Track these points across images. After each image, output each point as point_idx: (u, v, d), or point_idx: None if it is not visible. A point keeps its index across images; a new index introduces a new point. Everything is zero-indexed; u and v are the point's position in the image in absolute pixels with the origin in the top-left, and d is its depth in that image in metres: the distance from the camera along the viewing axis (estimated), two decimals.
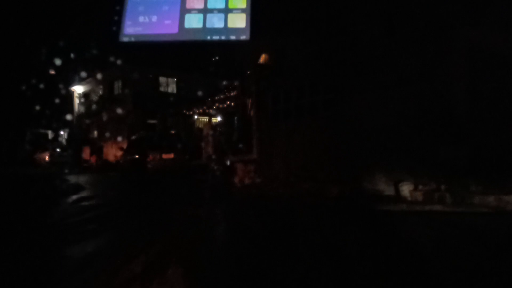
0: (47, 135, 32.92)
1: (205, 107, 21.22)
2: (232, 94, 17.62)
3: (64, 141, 30.55)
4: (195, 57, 23.81)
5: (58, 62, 20.67)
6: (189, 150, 14.39)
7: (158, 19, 4.33)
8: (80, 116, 29.09)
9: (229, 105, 18.36)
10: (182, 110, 23.01)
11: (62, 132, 32.69)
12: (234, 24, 4.18)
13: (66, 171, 20.16)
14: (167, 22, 4.26)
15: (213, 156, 15.39)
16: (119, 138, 22.28)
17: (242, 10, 4.08)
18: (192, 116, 23.06)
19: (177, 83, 25.19)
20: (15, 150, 28.34)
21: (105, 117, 24.81)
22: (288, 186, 9.05)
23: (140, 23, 4.32)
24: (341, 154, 8.75)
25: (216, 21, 4.18)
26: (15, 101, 28.19)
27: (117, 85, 25.01)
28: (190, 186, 10.95)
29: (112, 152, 22.26)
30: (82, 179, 14.66)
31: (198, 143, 17.11)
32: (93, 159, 22.48)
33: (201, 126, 23.31)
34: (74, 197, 9.08)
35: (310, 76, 10.06)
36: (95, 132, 27.37)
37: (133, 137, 15.50)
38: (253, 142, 12.30)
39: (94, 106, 26.91)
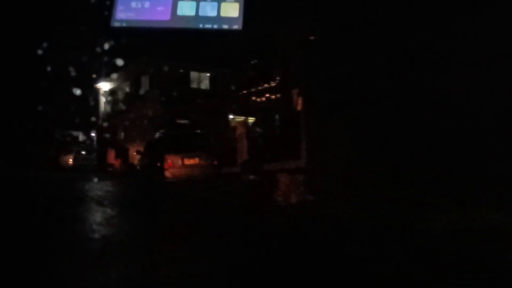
0: (77, 136, 31.42)
1: (240, 104, 18.41)
2: (272, 84, 14.56)
3: (93, 143, 28.72)
4: (230, 50, 21.20)
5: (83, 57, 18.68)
6: (218, 154, 11.48)
7: (150, 5, 3.68)
8: (105, 116, 27.23)
9: (268, 100, 15.32)
10: (215, 108, 20.33)
11: (93, 134, 30.92)
12: (227, 13, 3.46)
13: (86, 175, 18.25)
14: (159, 8, 3.63)
15: (248, 162, 12.43)
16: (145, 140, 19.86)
17: (236, 0, 3.42)
18: (226, 115, 20.27)
19: (210, 79, 22.52)
20: (42, 152, 26.96)
21: (131, 116, 22.63)
22: (357, 211, 5.90)
23: (133, 9, 3.68)
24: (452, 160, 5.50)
25: (209, 10, 3.58)
26: (42, 101, 26.79)
27: (145, 81, 22.69)
28: (212, 207, 8.06)
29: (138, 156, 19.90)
30: (92, 187, 12.26)
31: (231, 146, 14.25)
32: (117, 163, 20.30)
33: (235, 125, 20.55)
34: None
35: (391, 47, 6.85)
36: (121, 134, 25.31)
37: (151, 138, 12.83)
38: (301, 145, 9.22)
39: (120, 105, 24.83)
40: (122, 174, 18.43)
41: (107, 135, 25.34)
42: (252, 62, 19.04)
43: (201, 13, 3.54)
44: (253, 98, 16.65)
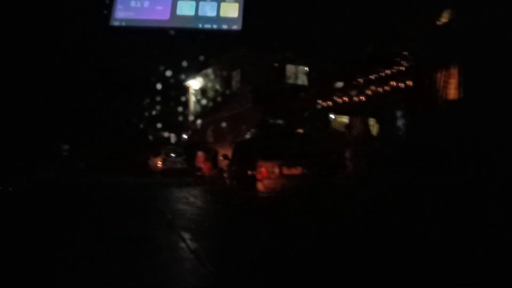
0: (169, 138, 30.78)
1: (345, 99, 15.25)
2: (393, 70, 11.16)
3: (182, 145, 27.56)
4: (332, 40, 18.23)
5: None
6: (327, 162, 8.58)
7: (150, 4, 4.43)
8: (195, 116, 25.67)
9: (386, 92, 11.92)
10: (314, 106, 17.45)
11: (185, 135, 29.84)
12: (227, 14, 4.21)
13: (172, 180, 16.76)
14: (159, 8, 4.38)
15: (368, 174, 9.30)
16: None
17: (235, 0, 4.18)
18: (326, 114, 17.25)
19: (309, 74, 19.68)
20: (135, 155, 26.48)
21: (220, 116, 20.80)
22: None
23: (132, 8, 4.43)
24: None
25: (208, 10, 4.27)
26: (135, 101, 26.47)
27: (236, 77, 20.70)
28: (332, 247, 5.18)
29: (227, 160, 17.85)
30: (173, 199, 10.35)
31: (338, 152, 11.21)
32: (206, 168, 18.49)
33: (339, 127, 17.42)
34: None
35: None
36: (210, 135, 23.69)
37: (241, 140, 10.38)
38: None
39: (209, 104, 23.20)
40: (211, 181, 16.57)
41: (196, 137, 23.97)
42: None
43: (200, 13, 4.19)
44: (366, 91, 13.38)
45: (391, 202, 7.41)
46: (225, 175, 10.74)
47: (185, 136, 28.02)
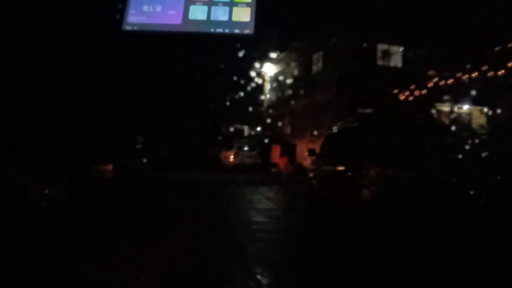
0: (242, 131, 29.08)
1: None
2: None
3: (256, 138, 25.66)
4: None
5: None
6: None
7: (162, 9, 4.40)
8: (270, 106, 23.15)
9: None
10: (412, 93, 14.59)
11: (259, 128, 27.84)
12: (239, 18, 4.17)
13: (244, 178, 14.99)
14: (171, 12, 4.37)
15: None
16: (318, 135, 15.33)
17: (247, 4, 4.12)
18: (429, 102, 14.24)
19: (404, 54, 16.64)
20: (206, 149, 25.29)
21: (299, 105, 18.48)
22: None
23: (144, 12, 4.41)
24: None
25: (220, 14, 4.23)
26: (208, 93, 25.02)
27: (317, 60, 18.14)
28: None
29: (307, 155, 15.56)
30: (243, 206, 8.52)
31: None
32: (282, 163, 16.39)
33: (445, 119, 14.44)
34: None
35: None
36: (288, 127, 21.30)
37: (332, 130, 8.03)
38: None
39: (286, 92, 21.00)
40: (289, 179, 14.47)
41: (271, 129, 21.96)
42: None
43: (212, 18, 4.27)
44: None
45: None
46: (311, 175, 8.55)
47: (259, 129, 26.11)
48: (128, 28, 4.48)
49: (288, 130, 20.97)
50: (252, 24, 4.19)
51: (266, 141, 20.04)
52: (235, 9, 4.20)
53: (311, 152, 8.34)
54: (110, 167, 12.76)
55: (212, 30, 4.18)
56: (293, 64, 20.69)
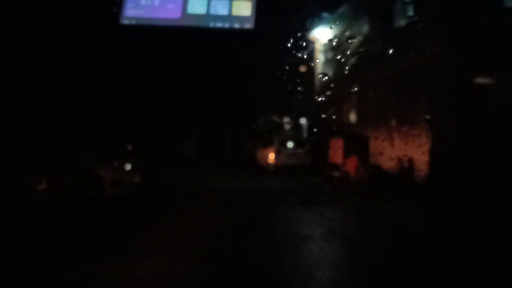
0: (282, 123, 25.63)
1: None
2: None
3: (303, 130, 19.56)
4: None
5: None
6: None
7: (160, 2, 4.28)
8: (325, 86, 15.70)
9: None
10: None
11: (303, 120, 20.27)
12: (239, 12, 4.07)
13: (292, 189, 11.02)
14: (169, 6, 4.25)
15: None
16: (405, 124, 10.83)
17: None
18: None
19: None
20: (240, 146, 22.04)
21: (371, 81, 12.49)
22: None
23: (142, 6, 4.28)
24: None
25: (220, 8, 4.15)
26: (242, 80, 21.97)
27: (399, 13, 11.79)
28: None
29: (388, 153, 10.79)
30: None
31: None
32: (350, 165, 12.06)
33: None
34: None
35: None
36: (352, 113, 15.12)
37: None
38: None
39: (349, 62, 12.37)
40: (364, 191, 9.86)
41: (327, 116, 14.16)
42: None
43: (212, 12, 4.10)
44: None
45: None
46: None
47: (303, 120, 19.50)
48: (126, 22, 4.46)
49: (353, 117, 14.93)
50: (253, 18, 4.15)
51: (320, 133, 14.84)
52: (235, 3, 4.16)
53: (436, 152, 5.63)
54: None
55: (212, 24, 4.09)
56: (358, 21, 14.02)
